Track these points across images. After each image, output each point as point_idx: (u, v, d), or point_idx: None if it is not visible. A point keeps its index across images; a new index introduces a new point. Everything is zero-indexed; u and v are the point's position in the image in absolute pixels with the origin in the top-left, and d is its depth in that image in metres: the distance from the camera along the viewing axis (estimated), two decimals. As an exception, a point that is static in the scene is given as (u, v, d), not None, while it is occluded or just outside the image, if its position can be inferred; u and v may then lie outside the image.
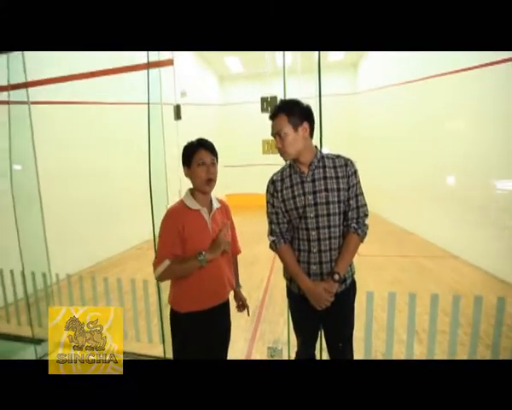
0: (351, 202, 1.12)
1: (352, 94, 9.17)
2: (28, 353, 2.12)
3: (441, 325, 1.69)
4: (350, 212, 1.13)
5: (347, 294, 1.18)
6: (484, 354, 1.80)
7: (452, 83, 4.19)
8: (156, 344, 2.10)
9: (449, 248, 4.38)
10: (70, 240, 3.49)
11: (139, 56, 1.65)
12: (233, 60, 8.58)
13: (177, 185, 1.82)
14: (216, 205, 1.21)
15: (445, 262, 4.00)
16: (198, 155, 1.10)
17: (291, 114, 1.07)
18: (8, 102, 2.10)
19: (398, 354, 1.85)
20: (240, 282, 1.39)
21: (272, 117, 1.11)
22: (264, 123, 1.26)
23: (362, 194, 1.15)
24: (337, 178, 1.10)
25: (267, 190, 1.21)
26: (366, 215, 1.15)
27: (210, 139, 1.17)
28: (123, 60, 1.93)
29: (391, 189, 6.67)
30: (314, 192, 1.11)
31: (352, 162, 1.14)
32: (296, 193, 1.13)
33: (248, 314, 1.37)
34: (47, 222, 2.25)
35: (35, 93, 2.21)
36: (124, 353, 2.16)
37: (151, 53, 1.72)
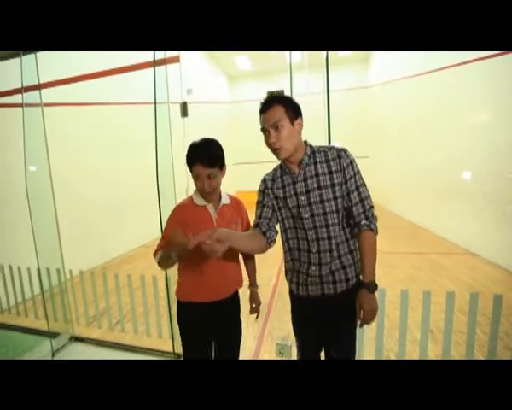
0: (351, 196, 1.01)
1: (363, 88, 8.97)
2: (44, 346, 2.19)
3: (458, 324, 1.63)
4: (354, 207, 1.01)
5: (349, 297, 1.04)
6: (503, 355, 1.72)
7: (470, 73, 4.00)
8: (166, 339, 2.12)
9: (465, 245, 4.23)
10: (82, 238, 3.57)
11: (144, 54, 1.65)
12: (241, 57, 8.56)
13: (185, 184, 1.83)
14: (224, 201, 1.20)
15: (460, 259, 3.86)
16: (194, 169, 1.10)
17: (287, 105, 0.98)
18: (22, 105, 2.15)
19: (412, 354, 1.80)
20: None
21: (265, 109, 0.99)
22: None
23: (363, 185, 1.02)
24: (330, 173, 1.01)
25: (258, 189, 1.14)
26: (372, 207, 1.03)
27: (219, 137, 1.15)
28: (128, 59, 1.94)
29: (402, 183, 6.51)
30: (307, 192, 1.02)
31: (346, 152, 1.02)
32: (288, 194, 1.06)
33: (256, 318, 1.36)
34: (60, 221, 2.31)
35: (46, 95, 2.26)
36: (135, 347, 2.21)
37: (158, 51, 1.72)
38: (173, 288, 1.32)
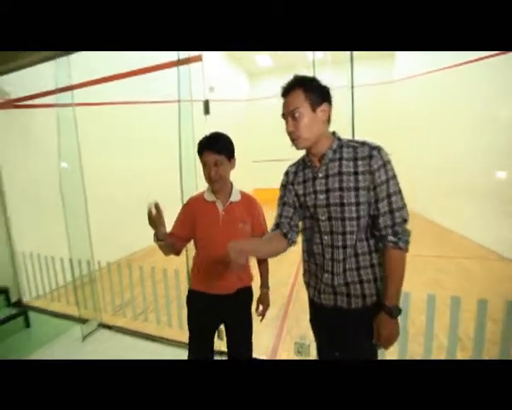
0: (380, 204, 0.86)
1: (387, 83, 8.60)
2: (75, 330, 2.35)
3: (490, 334, 1.54)
4: (381, 218, 0.86)
5: (365, 315, 0.92)
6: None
7: (500, 66, 3.70)
8: (186, 331, 2.19)
9: (496, 249, 3.95)
10: (110, 232, 3.76)
11: (168, 54, 1.70)
12: (262, 54, 8.51)
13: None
14: (234, 198, 1.20)
15: (491, 264, 3.61)
16: (202, 158, 1.13)
17: (309, 90, 0.86)
18: (56, 105, 2.30)
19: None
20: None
21: (285, 93, 0.90)
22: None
23: (397, 193, 0.86)
24: (356, 173, 0.86)
25: (280, 183, 1.08)
26: (405, 220, 0.87)
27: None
28: (152, 59, 2.01)
29: (426, 182, 6.19)
30: (327, 191, 0.90)
31: (380, 152, 0.85)
32: (307, 191, 0.96)
33: (261, 320, 1.35)
34: (90, 216, 2.45)
35: (78, 95, 2.39)
36: (157, 337, 2.29)
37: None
38: (195, 282, 1.36)
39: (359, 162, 0.86)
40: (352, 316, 0.95)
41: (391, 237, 0.86)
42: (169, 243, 1.13)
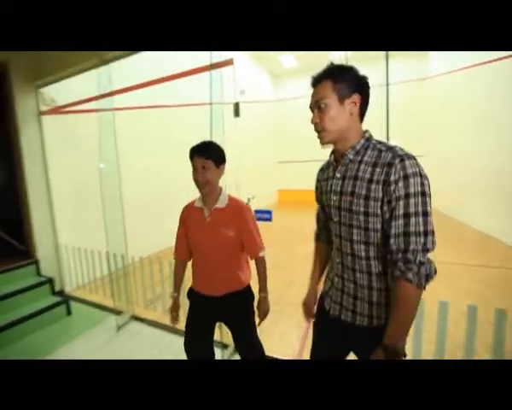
0: (393, 223, 0.73)
1: (421, 80, 8.13)
2: (110, 320, 2.51)
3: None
4: (392, 239, 0.74)
5: (370, 340, 0.81)
6: None
7: None
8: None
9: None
10: (143, 229, 3.97)
11: (201, 59, 1.76)
12: (286, 55, 8.48)
13: (234, 180, 1.90)
14: (219, 205, 1.24)
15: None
16: (192, 161, 1.20)
17: (338, 80, 0.79)
18: (98, 110, 2.48)
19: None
20: (268, 287, 1.33)
21: (314, 83, 0.85)
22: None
23: (419, 214, 0.71)
24: (370, 181, 0.76)
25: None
26: (426, 250, 0.71)
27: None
28: (183, 64, 2.10)
29: (465, 185, 5.73)
30: (340, 193, 0.84)
31: (403, 162, 0.72)
32: (325, 189, 0.92)
33: (258, 324, 1.37)
34: (125, 213, 2.60)
35: (116, 100, 2.55)
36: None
37: (214, 55, 1.82)
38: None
39: (377, 169, 0.76)
40: (356, 335, 0.88)
41: (400, 264, 0.72)
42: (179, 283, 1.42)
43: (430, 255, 0.74)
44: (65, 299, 2.72)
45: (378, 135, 0.93)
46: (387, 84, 1.47)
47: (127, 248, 2.60)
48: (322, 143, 0.86)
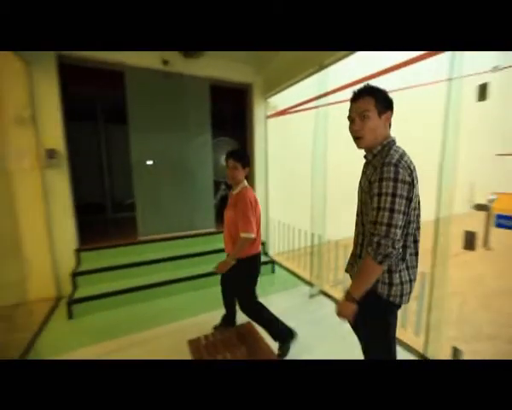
0: (370, 213, 1.00)
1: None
2: (304, 288, 2.97)
3: None
4: (368, 225, 1.01)
5: (370, 306, 1.05)
6: None
7: None
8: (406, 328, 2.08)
9: None
10: (339, 215, 4.30)
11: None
12: None
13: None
14: (234, 192, 1.82)
15: None
16: (227, 162, 1.80)
17: (378, 99, 1.00)
18: (316, 108, 2.85)
19: None
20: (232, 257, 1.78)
21: (356, 98, 1.04)
22: None
23: (386, 210, 0.92)
24: (369, 181, 1.01)
25: None
26: (387, 237, 0.92)
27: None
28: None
29: None
30: (360, 187, 1.10)
31: (383, 167, 0.94)
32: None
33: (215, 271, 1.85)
34: (328, 200, 2.92)
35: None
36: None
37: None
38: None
39: (374, 172, 0.99)
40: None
41: (367, 242, 0.99)
42: None
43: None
44: (272, 260, 3.52)
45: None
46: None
47: (325, 231, 2.92)
48: (359, 147, 1.07)
